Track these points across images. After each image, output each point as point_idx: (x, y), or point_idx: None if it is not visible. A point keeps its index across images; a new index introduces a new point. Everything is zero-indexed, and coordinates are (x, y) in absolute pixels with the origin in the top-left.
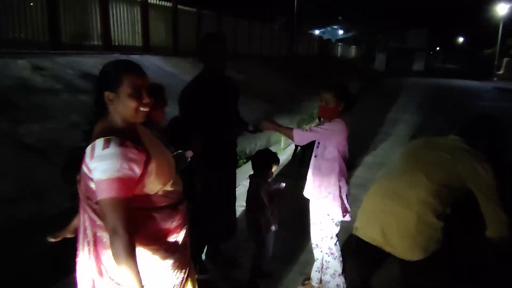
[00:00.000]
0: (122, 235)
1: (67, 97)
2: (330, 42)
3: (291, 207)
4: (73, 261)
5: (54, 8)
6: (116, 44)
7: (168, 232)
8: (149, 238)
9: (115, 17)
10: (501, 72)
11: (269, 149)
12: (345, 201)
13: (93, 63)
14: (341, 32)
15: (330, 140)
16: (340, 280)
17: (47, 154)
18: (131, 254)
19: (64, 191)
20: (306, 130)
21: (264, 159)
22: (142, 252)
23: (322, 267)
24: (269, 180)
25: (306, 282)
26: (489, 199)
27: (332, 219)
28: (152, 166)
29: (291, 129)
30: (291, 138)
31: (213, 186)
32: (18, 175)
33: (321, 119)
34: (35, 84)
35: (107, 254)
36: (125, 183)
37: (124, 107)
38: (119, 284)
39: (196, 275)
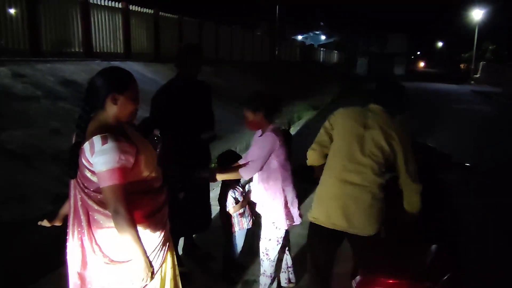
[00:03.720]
0: (123, 213)
1: (48, 104)
2: (312, 48)
3: None
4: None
5: (34, 15)
6: (98, 51)
7: (155, 211)
8: (141, 217)
9: (96, 24)
10: (478, 75)
11: (231, 150)
12: (292, 209)
13: (74, 70)
14: (323, 37)
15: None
16: (267, 280)
17: (29, 159)
18: (133, 227)
19: (45, 195)
20: (248, 162)
21: (225, 160)
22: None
23: (287, 267)
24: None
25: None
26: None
27: (276, 227)
28: (141, 157)
29: (237, 171)
30: (241, 177)
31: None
32: (0, 180)
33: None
34: (16, 91)
35: (101, 233)
36: (123, 171)
37: (125, 108)
38: (112, 260)
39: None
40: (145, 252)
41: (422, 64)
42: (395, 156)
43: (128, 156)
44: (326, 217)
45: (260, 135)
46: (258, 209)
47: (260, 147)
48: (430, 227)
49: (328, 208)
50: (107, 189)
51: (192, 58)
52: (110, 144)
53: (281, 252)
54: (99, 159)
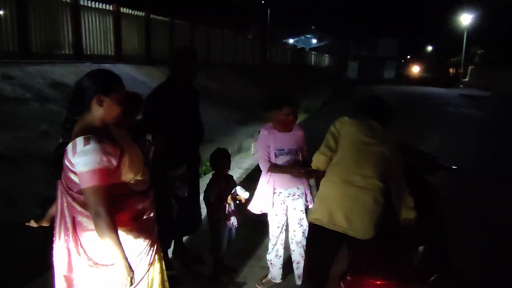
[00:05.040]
0: (104, 216)
1: (37, 106)
2: (303, 51)
3: None
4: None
5: (24, 17)
6: (88, 53)
7: (140, 215)
8: (124, 220)
9: (86, 26)
10: (466, 79)
11: (220, 148)
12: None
13: (64, 72)
14: (314, 41)
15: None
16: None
17: (17, 162)
18: (114, 230)
19: (34, 198)
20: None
21: (214, 158)
22: (119, 232)
23: (283, 265)
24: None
25: (264, 280)
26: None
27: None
28: (125, 159)
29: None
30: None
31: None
32: None
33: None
34: (5, 93)
35: (85, 236)
36: (105, 173)
37: (110, 110)
38: (96, 263)
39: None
40: (125, 257)
41: (416, 68)
42: (394, 172)
43: (110, 157)
44: (328, 218)
45: (288, 132)
46: (290, 206)
47: (302, 138)
48: (417, 229)
49: (330, 209)
50: (87, 190)
51: (185, 62)
52: (92, 145)
53: None
54: (81, 160)
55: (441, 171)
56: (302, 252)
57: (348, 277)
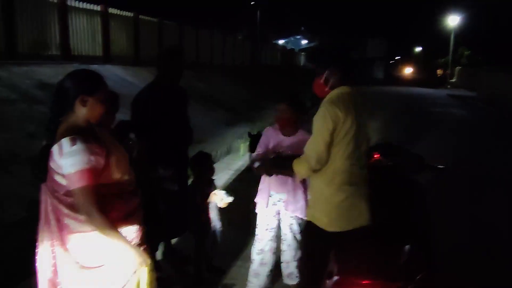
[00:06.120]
0: (98, 215)
1: (24, 107)
2: (293, 52)
3: (244, 208)
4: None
5: (10, 17)
6: (76, 54)
7: (129, 214)
8: (114, 220)
9: (74, 27)
10: (454, 80)
11: (202, 151)
12: None
13: (51, 73)
14: (304, 42)
15: None
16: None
17: (3, 164)
18: (111, 226)
19: (20, 200)
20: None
21: (196, 161)
22: None
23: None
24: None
25: None
26: None
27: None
28: (112, 159)
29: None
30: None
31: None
32: None
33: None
34: None
35: (72, 239)
36: (93, 172)
37: (94, 110)
38: (84, 266)
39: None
40: (130, 244)
41: (405, 69)
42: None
43: (97, 157)
44: (339, 224)
45: (290, 135)
46: (287, 211)
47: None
48: (403, 228)
49: (338, 213)
50: (77, 191)
51: (173, 63)
52: (79, 146)
53: None
54: (68, 161)
55: (427, 170)
56: (293, 254)
57: (335, 276)
